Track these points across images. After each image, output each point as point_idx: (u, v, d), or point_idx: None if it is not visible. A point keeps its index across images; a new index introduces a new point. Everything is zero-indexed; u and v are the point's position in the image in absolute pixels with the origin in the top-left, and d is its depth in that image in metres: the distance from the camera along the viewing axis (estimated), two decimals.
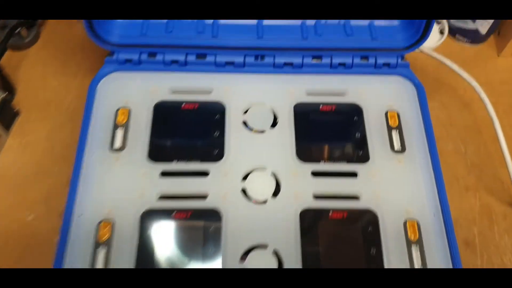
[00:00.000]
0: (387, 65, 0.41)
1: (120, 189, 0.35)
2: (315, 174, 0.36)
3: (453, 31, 0.52)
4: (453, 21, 0.52)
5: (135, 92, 0.39)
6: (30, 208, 0.38)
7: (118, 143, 0.37)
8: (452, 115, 0.46)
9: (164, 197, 0.35)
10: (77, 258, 0.32)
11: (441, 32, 0.53)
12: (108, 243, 0.33)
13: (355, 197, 0.35)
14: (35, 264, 0.35)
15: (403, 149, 0.37)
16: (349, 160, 0.37)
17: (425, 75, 0.44)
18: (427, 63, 0.47)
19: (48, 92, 0.45)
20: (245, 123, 0.38)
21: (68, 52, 0.48)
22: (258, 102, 0.39)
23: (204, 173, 0.36)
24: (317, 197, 0.35)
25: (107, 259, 0.32)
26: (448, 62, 0.44)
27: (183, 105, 0.38)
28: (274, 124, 0.38)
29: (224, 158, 0.36)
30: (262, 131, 0.38)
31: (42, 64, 0.47)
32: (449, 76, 0.46)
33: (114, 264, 0.32)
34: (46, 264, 0.34)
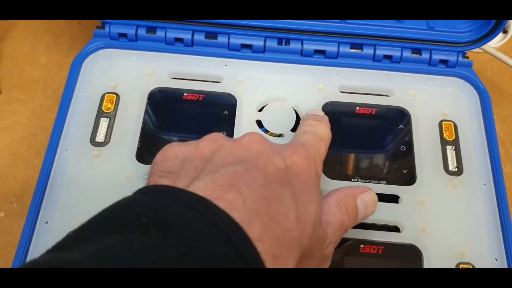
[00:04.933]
0: (445, 62, 0.35)
1: (96, 194, 0.29)
2: None
3: None
4: None
5: (127, 75, 0.34)
6: (1, 205, 0.34)
7: (101, 135, 0.32)
8: None
9: None
10: None
11: (505, 31, 0.46)
12: None
13: (394, 229, 0.30)
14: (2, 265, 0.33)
15: (459, 170, 0.31)
16: (390, 180, 0.31)
17: (483, 80, 0.38)
18: (485, 65, 0.43)
19: (36, 69, 0.41)
20: (259, 123, 0.33)
21: (64, 25, 0.44)
22: (278, 98, 0.34)
23: None
24: None
25: None
26: None
27: (184, 95, 0.33)
28: (295, 127, 0.32)
29: None
30: (280, 135, 0.32)
31: (32, 36, 0.43)
32: None
33: None
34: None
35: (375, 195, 0.25)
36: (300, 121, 0.30)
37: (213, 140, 0.23)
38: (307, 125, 0.27)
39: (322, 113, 0.29)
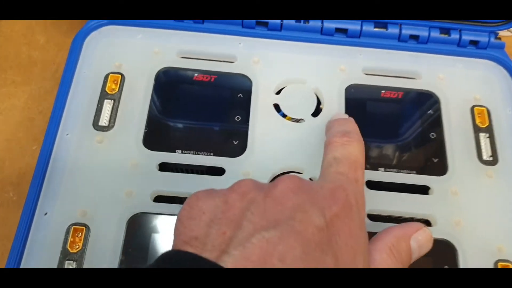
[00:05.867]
0: (475, 43, 0.34)
1: (101, 184, 0.28)
2: (371, 186, 0.29)
3: None
4: None
5: (133, 54, 0.32)
6: None
7: (104, 119, 0.30)
8: None
9: (161, 198, 0.28)
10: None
11: None
12: (80, 257, 0.26)
13: (425, 222, 0.28)
14: None
15: (494, 159, 0.30)
16: (419, 170, 0.29)
17: None
18: None
19: (34, 50, 0.40)
20: (277, 107, 0.31)
21: None
22: (296, 80, 0.32)
23: (219, 171, 0.29)
24: (376, 218, 0.28)
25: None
26: None
27: (195, 76, 0.32)
28: (316, 112, 0.31)
29: (246, 153, 0.29)
30: (300, 120, 0.31)
31: None
32: None
33: None
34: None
35: (430, 232, 0.23)
36: (325, 131, 0.26)
37: (243, 194, 0.21)
38: (336, 148, 0.24)
39: (345, 117, 0.27)
